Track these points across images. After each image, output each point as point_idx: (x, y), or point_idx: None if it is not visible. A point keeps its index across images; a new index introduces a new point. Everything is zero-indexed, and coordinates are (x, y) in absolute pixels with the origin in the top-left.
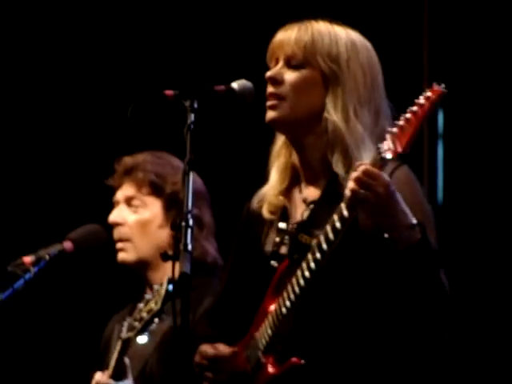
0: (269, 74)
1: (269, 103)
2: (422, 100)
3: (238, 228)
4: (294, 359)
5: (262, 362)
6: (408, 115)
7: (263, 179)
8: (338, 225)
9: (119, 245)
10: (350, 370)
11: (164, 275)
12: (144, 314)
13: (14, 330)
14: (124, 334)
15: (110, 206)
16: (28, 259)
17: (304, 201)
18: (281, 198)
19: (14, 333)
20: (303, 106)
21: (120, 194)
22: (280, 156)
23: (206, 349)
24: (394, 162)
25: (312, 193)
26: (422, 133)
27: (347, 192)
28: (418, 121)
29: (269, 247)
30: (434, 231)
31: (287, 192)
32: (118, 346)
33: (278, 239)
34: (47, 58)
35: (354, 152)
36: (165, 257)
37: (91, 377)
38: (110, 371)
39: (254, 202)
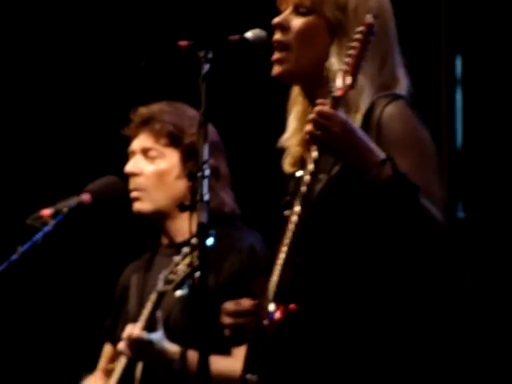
0: (276, 20)
1: (274, 57)
2: (357, 35)
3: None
4: (290, 306)
5: (271, 312)
6: (350, 51)
7: (278, 129)
8: (310, 167)
9: (134, 194)
10: (349, 315)
11: (181, 225)
12: (182, 268)
13: (32, 283)
14: (160, 287)
15: (126, 156)
16: (46, 212)
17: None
18: (299, 148)
19: (32, 285)
20: (308, 55)
21: (136, 145)
22: (296, 103)
23: (227, 305)
24: (388, 98)
25: None
26: (439, 78)
27: (304, 135)
28: (358, 53)
29: (286, 198)
30: (427, 168)
31: (303, 143)
32: (152, 298)
33: (292, 186)
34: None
35: (355, 101)
36: (182, 207)
37: (106, 326)
38: (142, 323)
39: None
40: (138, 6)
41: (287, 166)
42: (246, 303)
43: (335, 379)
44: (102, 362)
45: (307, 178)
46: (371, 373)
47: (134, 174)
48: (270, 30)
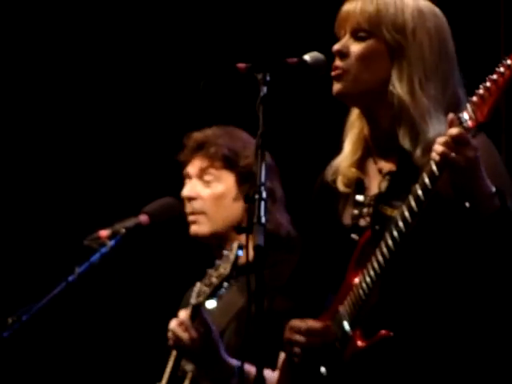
0: (335, 47)
1: (333, 73)
2: (501, 68)
3: (311, 200)
4: (383, 332)
5: (349, 336)
6: (488, 83)
7: (336, 152)
8: (420, 194)
9: (192, 217)
10: (437, 340)
11: None
12: (214, 280)
13: (91, 303)
14: (193, 300)
15: (181, 181)
16: (104, 233)
17: (379, 171)
18: (354, 170)
19: (91, 306)
20: (367, 78)
21: (192, 169)
22: (353, 127)
23: (298, 323)
24: (471, 131)
25: (386, 165)
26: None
27: (434, 156)
28: (499, 89)
29: (347, 220)
30: None
31: (360, 164)
32: (188, 310)
33: (356, 212)
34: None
35: (420, 125)
36: (239, 230)
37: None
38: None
39: (328, 175)
40: (197, 28)
41: (340, 185)
42: (312, 322)
43: None
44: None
45: (412, 204)
46: None
47: (191, 198)
48: (329, 52)
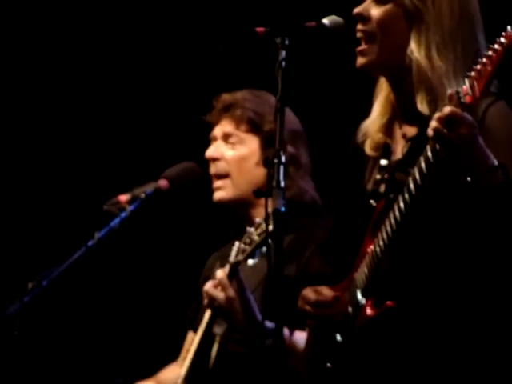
0: (356, 10)
1: (359, 48)
2: (496, 46)
3: (344, 162)
4: (388, 302)
5: (361, 305)
6: (484, 59)
7: (356, 117)
8: (423, 166)
9: (217, 183)
10: (442, 311)
11: (263, 212)
12: (255, 237)
13: (111, 267)
14: (232, 258)
15: (206, 143)
16: (124, 198)
17: (403, 136)
18: (381, 134)
19: (111, 270)
20: (390, 45)
21: (218, 131)
22: (382, 90)
23: (308, 294)
24: (489, 98)
25: (410, 130)
26: None
27: (429, 131)
28: (493, 65)
29: (370, 185)
30: None
31: (387, 127)
32: (226, 271)
33: (378, 177)
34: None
35: (438, 90)
36: (258, 194)
37: (189, 314)
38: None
39: (359, 136)
40: None
41: (368, 148)
42: (325, 292)
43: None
44: (185, 349)
45: (416, 176)
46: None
47: (214, 159)
48: (345, 17)
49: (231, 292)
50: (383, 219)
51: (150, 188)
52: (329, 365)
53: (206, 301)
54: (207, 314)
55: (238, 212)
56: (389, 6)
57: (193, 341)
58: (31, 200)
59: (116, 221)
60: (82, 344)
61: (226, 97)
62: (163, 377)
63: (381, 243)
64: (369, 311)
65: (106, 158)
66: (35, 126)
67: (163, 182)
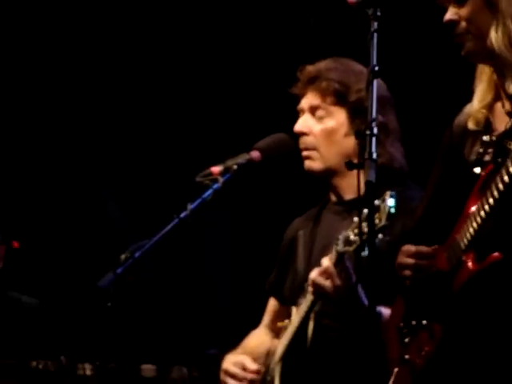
0: (446, 17)
1: (456, 40)
2: None
3: (442, 143)
4: (495, 254)
5: (462, 261)
6: None
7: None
8: None
9: (305, 153)
10: None
11: (350, 183)
12: (365, 229)
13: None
14: (340, 248)
15: (295, 114)
16: (216, 169)
17: (508, 113)
18: (484, 111)
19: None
20: (485, 31)
21: (304, 103)
22: (483, 74)
23: (408, 247)
24: None
25: None
26: None
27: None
28: None
29: (472, 157)
30: None
31: (490, 106)
32: (332, 258)
33: (481, 150)
34: None
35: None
36: (350, 165)
37: (271, 280)
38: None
39: (460, 118)
40: None
41: (470, 123)
42: (426, 248)
43: None
44: (266, 317)
45: None
46: None
47: (303, 134)
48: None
49: (337, 281)
50: (490, 183)
51: (242, 159)
52: (424, 322)
53: (310, 288)
54: (309, 299)
55: (325, 181)
56: (470, 2)
57: (275, 308)
58: (126, 174)
59: (208, 192)
60: (174, 315)
61: (310, 68)
62: (249, 345)
63: (489, 203)
64: (471, 265)
65: (198, 129)
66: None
67: (255, 154)
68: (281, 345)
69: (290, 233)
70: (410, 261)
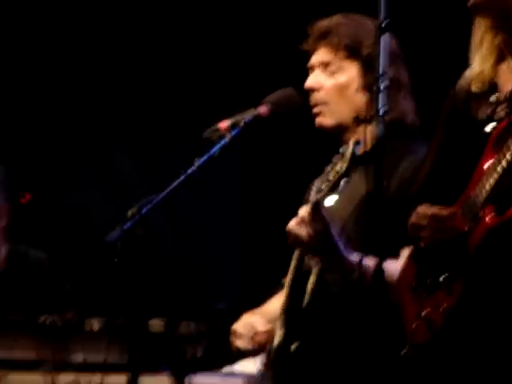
0: None
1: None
2: None
3: (444, 109)
4: None
5: (479, 216)
6: None
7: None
8: None
9: (316, 109)
10: None
11: (361, 138)
12: (331, 177)
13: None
14: (312, 197)
15: (304, 71)
16: (224, 125)
17: None
18: (488, 73)
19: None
20: None
21: (315, 59)
22: (483, 42)
23: (425, 209)
24: None
25: None
26: None
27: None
28: None
29: (481, 116)
30: None
31: (494, 68)
32: (308, 207)
33: (489, 110)
34: None
35: None
36: (357, 120)
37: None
38: None
39: (461, 82)
40: None
41: (474, 86)
42: (442, 209)
43: None
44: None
45: None
46: None
47: (314, 89)
48: None
49: (312, 230)
50: (505, 138)
51: (249, 115)
52: (441, 279)
53: (290, 239)
54: (296, 252)
55: (337, 137)
56: None
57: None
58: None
59: (216, 148)
60: (182, 270)
61: (321, 24)
62: (268, 305)
63: (506, 158)
64: (490, 220)
65: (209, 85)
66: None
67: (263, 109)
68: (283, 300)
69: (308, 194)
70: (427, 223)
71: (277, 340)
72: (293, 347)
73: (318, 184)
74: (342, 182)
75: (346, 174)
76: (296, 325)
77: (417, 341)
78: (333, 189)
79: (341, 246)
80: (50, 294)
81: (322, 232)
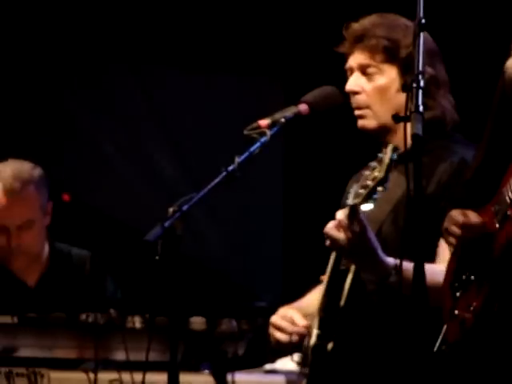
0: None
1: None
2: None
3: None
4: None
5: (508, 215)
6: None
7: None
8: None
9: (358, 112)
10: None
11: (402, 138)
12: (369, 183)
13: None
14: (350, 201)
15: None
16: (264, 122)
17: None
18: None
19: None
20: None
21: (353, 62)
22: None
23: (457, 215)
24: None
25: None
26: None
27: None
28: None
29: None
30: None
31: None
32: (346, 210)
33: None
34: None
35: None
36: (396, 118)
37: None
38: None
39: (508, 72)
40: None
41: None
42: (472, 216)
43: None
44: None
45: None
46: None
47: (355, 92)
48: None
49: (350, 233)
50: None
51: (289, 112)
52: (472, 277)
53: (327, 242)
54: (333, 255)
55: (378, 138)
56: None
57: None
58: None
59: (256, 145)
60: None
61: (356, 26)
62: (305, 300)
63: None
64: None
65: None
66: None
67: (303, 107)
68: (319, 298)
69: (349, 187)
70: (457, 231)
71: (313, 339)
72: (329, 346)
73: (356, 188)
74: (379, 189)
75: (384, 181)
76: (332, 324)
77: (450, 339)
78: (370, 195)
79: (378, 249)
80: (91, 292)
81: (360, 236)
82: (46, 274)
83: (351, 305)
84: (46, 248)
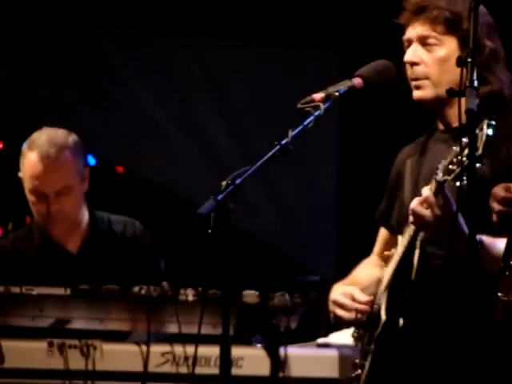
0: None
1: None
2: None
3: None
4: None
5: None
6: None
7: None
8: None
9: (416, 82)
10: None
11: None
12: (463, 159)
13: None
14: (440, 177)
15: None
16: (318, 96)
17: None
18: None
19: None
20: None
21: (413, 33)
22: None
23: (498, 191)
24: None
25: None
26: None
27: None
28: None
29: None
30: None
31: None
32: (432, 188)
33: None
34: None
35: None
36: (451, 93)
37: (381, 209)
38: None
39: None
40: None
41: None
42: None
43: None
44: (378, 246)
45: None
46: None
47: (413, 64)
48: None
49: (437, 210)
50: None
51: (343, 86)
52: None
53: (411, 218)
54: (412, 228)
55: (434, 110)
56: None
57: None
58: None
59: (310, 119)
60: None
61: None
62: (358, 275)
63: None
64: None
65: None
66: None
67: (357, 81)
68: (386, 274)
69: (399, 162)
70: (498, 207)
71: (383, 316)
72: (401, 322)
73: (445, 163)
74: (477, 165)
75: (481, 157)
76: (402, 300)
77: (497, 320)
78: (463, 172)
79: (465, 227)
80: (144, 264)
81: (446, 212)
82: (88, 240)
83: (419, 280)
84: (86, 215)
